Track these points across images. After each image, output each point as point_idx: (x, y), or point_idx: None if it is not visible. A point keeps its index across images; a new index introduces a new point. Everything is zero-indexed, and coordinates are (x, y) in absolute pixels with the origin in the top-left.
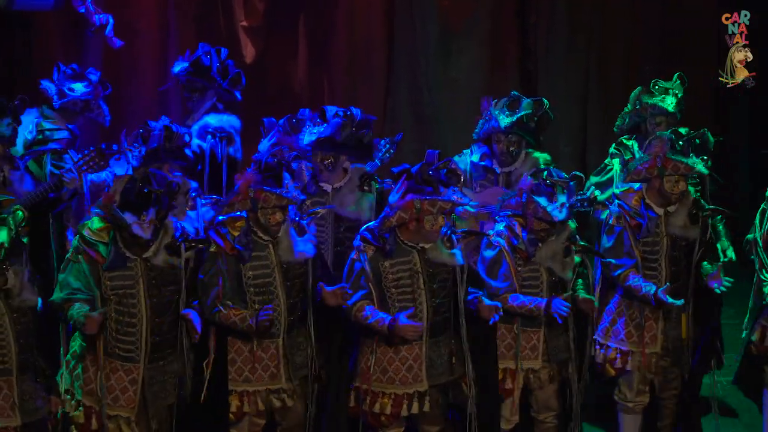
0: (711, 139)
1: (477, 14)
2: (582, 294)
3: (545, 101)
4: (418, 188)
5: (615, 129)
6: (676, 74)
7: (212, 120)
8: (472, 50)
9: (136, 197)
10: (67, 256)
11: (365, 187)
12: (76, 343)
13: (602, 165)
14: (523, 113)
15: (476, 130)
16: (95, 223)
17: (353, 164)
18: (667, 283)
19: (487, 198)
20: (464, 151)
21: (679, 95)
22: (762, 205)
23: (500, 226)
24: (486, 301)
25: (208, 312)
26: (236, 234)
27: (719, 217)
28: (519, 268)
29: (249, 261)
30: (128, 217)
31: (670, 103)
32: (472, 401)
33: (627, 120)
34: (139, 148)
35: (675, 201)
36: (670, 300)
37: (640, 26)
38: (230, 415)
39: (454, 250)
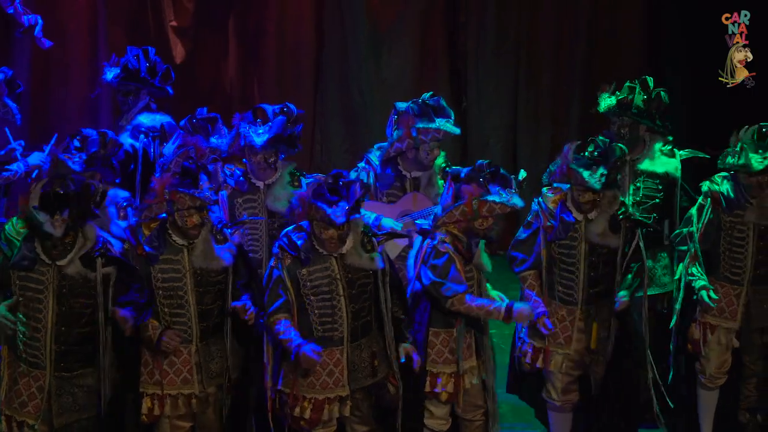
0: (617, 150)
1: (407, 14)
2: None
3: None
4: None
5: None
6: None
7: (145, 119)
8: (402, 50)
9: (52, 197)
10: None
11: (295, 183)
12: None
13: None
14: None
15: (387, 148)
16: (20, 221)
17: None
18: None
19: (405, 205)
20: (359, 165)
21: (621, 97)
22: (699, 200)
23: (441, 234)
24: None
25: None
26: (147, 234)
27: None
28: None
29: (158, 263)
30: (42, 216)
31: (606, 104)
32: (400, 399)
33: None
34: (78, 153)
35: (587, 210)
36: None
37: (568, 24)
38: (143, 417)
39: (374, 254)
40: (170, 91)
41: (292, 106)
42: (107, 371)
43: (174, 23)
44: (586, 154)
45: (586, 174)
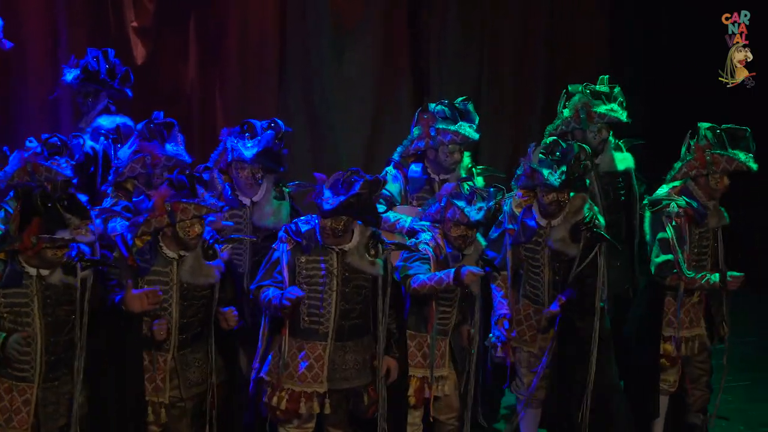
0: (575, 148)
1: (370, 13)
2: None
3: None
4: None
5: (546, 132)
6: (611, 83)
7: (105, 122)
8: (364, 50)
9: (53, 217)
10: None
11: (278, 195)
12: None
13: None
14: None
15: (407, 145)
16: None
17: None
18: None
19: None
20: (386, 169)
21: (624, 104)
22: (669, 230)
23: (427, 237)
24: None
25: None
26: (140, 245)
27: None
28: None
29: (147, 275)
30: (63, 234)
31: (622, 113)
32: (383, 412)
33: (563, 127)
34: (65, 157)
35: (553, 212)
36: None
37: (532, 24)
38: None
39: (377, 260)
40: (129, 93)
41: (280, 122)
42: (82, 375)
43: (135, 24)
44: (549, 154)
45: (546, 173)
